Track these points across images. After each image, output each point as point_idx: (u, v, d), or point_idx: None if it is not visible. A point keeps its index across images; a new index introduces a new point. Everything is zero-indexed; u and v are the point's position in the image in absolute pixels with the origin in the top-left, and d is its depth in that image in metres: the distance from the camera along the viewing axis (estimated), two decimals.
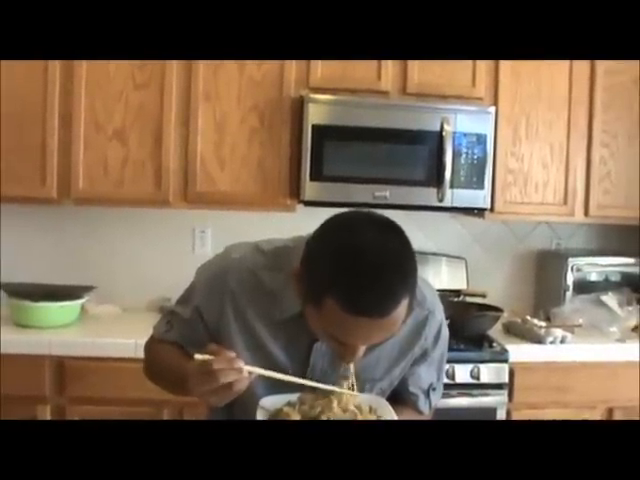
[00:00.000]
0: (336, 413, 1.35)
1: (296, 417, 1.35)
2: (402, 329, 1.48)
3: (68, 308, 3.05)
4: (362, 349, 1.34)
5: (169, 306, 1.69)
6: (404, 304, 1.26)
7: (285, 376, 1.39)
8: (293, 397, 1.41)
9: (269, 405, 1.40)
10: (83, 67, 3.02)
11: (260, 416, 1.37)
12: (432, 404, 1.64)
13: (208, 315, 1.52)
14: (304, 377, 1.45)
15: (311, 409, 1.37)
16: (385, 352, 1.52)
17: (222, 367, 1.25)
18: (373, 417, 1.39)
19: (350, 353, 1.34)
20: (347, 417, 1.36)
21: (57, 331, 2.96)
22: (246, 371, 1.28)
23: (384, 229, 1.30)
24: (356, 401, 1.41)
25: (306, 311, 1.35)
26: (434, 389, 1.63)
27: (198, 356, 1.28)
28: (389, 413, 1.42)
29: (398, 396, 1.59)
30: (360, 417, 1.36)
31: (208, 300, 1.52)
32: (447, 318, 1.63)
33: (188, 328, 1.55)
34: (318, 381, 1.43)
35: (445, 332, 1.61)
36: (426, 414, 1.63)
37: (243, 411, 1.50)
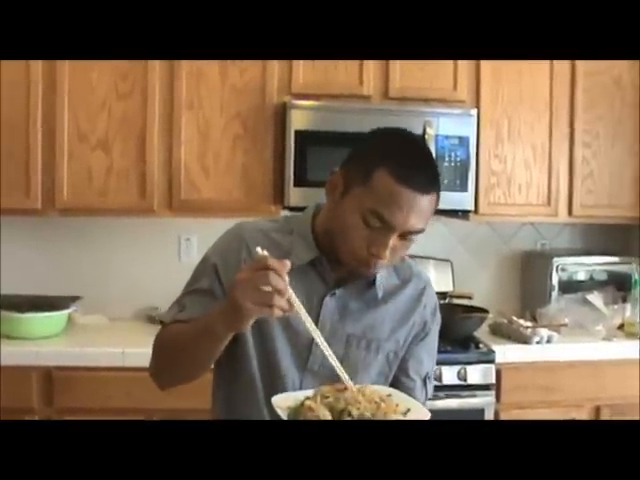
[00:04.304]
0: (364, 405, 1.34)
1: (323, 410, 1.33)
2: (403, 294, 1.61)
3: (55, 318, 3.04)
4: (389, 248, 1.43)
5: (177, 297, 1.61)
6: (437, 194, 1.44)
7: (314, 327, 1.37)
8: (308, 392, 1.38)
9: (281, 403, 1.36)
10: (65, 77, 3.03)
11: (282, 414, 1.33)
12: (427, 395, 1.67)
13: (226, 275, 1.51)
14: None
15: (337, 402, 1.35)
16: (389, 313, 1.59)
17: (277, 267, 1.24)
18: (394, 405, 1.38)
19: (381, 246, 1.42)
20: (372, 408, 1.35)
21: (44, 342, 2.95)
22: (289, 290, 1.27)
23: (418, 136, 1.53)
24: (377, 390, 1.40)
25: (348, 199, 1.44)
26: (429, 378, 1.67)
27: (259, 249, 1.30)
28: (407, 401, 1.41)
29: (396, 382, 1.62)
30: (384, 406, 1.36)
31: (226, 260, 1.53)
32: None
33: (208, 296, 1.52)
34: (326, 339, 1.41)
35: (440, 314, 1.69)
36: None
37: (250, 411, 1.54)
